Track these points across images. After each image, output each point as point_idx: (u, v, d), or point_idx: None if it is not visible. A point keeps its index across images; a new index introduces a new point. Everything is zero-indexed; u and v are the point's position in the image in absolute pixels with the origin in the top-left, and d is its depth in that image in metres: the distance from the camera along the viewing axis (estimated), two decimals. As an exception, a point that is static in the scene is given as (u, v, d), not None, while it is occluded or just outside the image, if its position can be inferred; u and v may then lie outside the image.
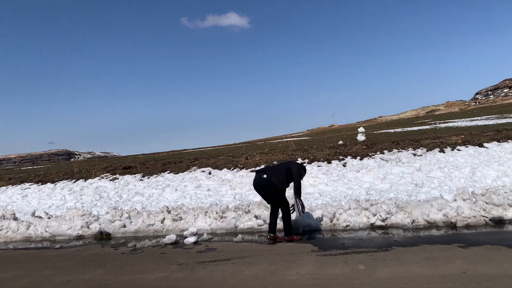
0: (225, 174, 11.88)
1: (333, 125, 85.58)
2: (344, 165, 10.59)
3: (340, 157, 11.31)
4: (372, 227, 6.19)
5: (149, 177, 12.52)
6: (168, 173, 12.76)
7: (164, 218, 7.32)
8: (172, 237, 6.35)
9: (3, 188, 13.06)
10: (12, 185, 13.23)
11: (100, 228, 7.40)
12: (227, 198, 9.37)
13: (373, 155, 11.09)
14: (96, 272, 5.16)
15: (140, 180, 12.39)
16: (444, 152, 10.56)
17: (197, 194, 10.27)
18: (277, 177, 5.91)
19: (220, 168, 12.51)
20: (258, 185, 5.99)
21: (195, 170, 12.62)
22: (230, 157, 13.99)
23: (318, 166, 10.76)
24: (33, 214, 8.46)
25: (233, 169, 12.21)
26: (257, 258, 5.10)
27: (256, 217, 6.93)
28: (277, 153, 13.53)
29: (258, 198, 8.72)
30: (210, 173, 12.13)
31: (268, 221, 6.23)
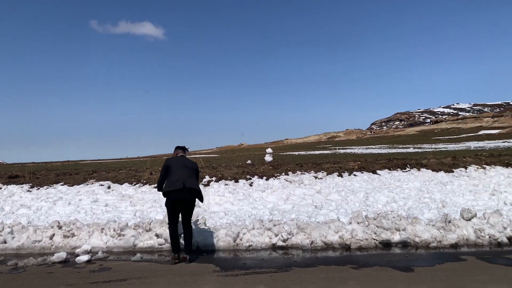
0: (126, 189, 11.26)
1: (242, 144, 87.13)
2: (250, 185, 10.74)
3: (248, 176, 11.47)
4: (274, 247, 6.31)
5: (39, 189, 11.35)
6: (61, 185, 11.70)
7: (53, 234, 6.64)
8: (61, 255, 5.77)
9: None
10: None
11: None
12: (127, 215, 8.85)
13: (278, 175, 11.45)
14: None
15: (28, 191, 11.17)
16: (342, 177, 11.32)
17: (93, 209, 9.55)
18: (196, 183, 5.74)
19: (121, 182, 11.84)
20: (184, 197, 5.61)
21: (92, 183, 11.76)
22: (133, 171, 13.34)
23: (225, 185, 10.77)
24: None
25: (135, 184, 11.64)
26: (156, 278, 4.86)
27: (157, 235, 6.64)
28: (184, 169, 13.27)
29: (160, 216, 8.40)
30: (109, 187, 11.40)
31: (169, 240, 5.99)
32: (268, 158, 14.26)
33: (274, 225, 6.52)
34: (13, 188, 11.27)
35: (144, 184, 11.52)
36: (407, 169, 12.17)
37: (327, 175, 11.50)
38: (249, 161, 15.41)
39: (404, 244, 6.32)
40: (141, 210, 9.31)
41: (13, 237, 6.57)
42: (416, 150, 26.55)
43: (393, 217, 6.59)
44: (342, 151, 31.38)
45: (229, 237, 6.40)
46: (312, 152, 30.22)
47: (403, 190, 10.05)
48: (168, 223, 5.86)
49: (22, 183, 11.73)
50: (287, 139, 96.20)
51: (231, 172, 12.18)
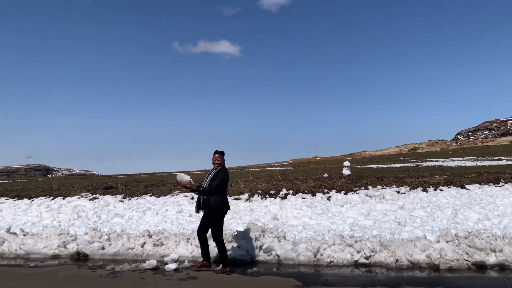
0: (209, 200, 11.75)
1: (317, 157, 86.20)
2: (328, 199, 10.61)
3: (325, 190, 11.35)
4: (356, 264, 6.16)
5: (130, 199, 12.30)
6: (150, 195, 12.55)
7: (144, 243, 7.16)
8: (152, 263, 6.19)
9: (-23, 201, 12.61)
10: (-13, 199, 12.80)
11: (77, 248, 7.17)
12: (210, 225, 9.23)
13: (357, 190, 11.16)
14: (71, 296, 4.97)
15: (121, 201, 12.15)
16: (427, 192, 10.71)
17: (179, 219, 10.09)
18: None
19: (203, 193, 12.38)
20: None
21: (177, 195, 12.45)
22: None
23: (302, 198, 10.76)
24: (7, 230, 8.16)
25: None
26: (240, 290, 5.00)
27: (239, 247, 6.83)
28: (262, 182, 13.50)
29: (240, 227, 8.63)
30: (192, 198, 11.97)
31: (253, 252, 6.15)
32: (346, 171, 13.97)
33: (356, 242, 6.37)
34: (108, 198, 12.34)
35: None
36: (501, 183, 11.16)
37: (410, 190, 10.96)
38: (325, 174, 15.23)
39: (501, 267, 5.79)
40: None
41: (110, 244, 7.19)
42: (509, 162, 24.23)
43: (487, 237, 6.08)
44: (425, 164, 29.66)
45: (310, 252, 6.38)
46: (392, 165, 28.97)
47: (497, 207, 9.23)
48: (218, 234, 6.19)
49: (115, 194, 12.79)
50: (365, 151, 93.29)
51: (308, 186, 12.14)
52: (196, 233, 7.41)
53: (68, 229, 8.87)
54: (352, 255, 6.24)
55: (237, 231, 7.40)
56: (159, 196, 12.35)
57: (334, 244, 6.49)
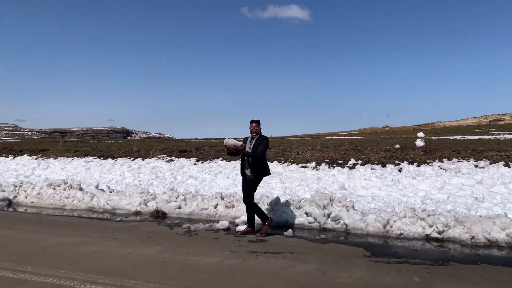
0: (275, 167, 11.97)
1: (388, 126, 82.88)
2: (399, 170, 10.31)
3: (396, 161, 11.01)
4: (427, 238, 6.02)
5: (203, 162, 12.91)
6: (221, 160, 13.07)
7: (217, 204, 7.56)
8: (225, 223, 6.56)
9: (69, 159, 14.03)
10: (78, 157, 14.18)
11: (157, 206, 7.78)
12: (277, 191, 9.46)
13: (431, 162, 10.69)
14: (154, 248, 5.47)
15: (194, 164, 12.80)
16: (509, 167, 9.97)
17: (248, 183, 10.46)
18: None
19: (270, 160, 12.60)
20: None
21: (247, 160, 12.83)
22: (281, 150, 14.06)
23: (372, 169, 10.56)
24: (96, 187, 9.05)
25: (283, 163, 12.29)
26: (308, 255, 5.16)
27: (306, 213, 6.97)
28: (329, 151, 13.41)
29: (307, 194, 8.76)
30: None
31: (321, 220, 6.26)
32: (419, 142, 13.36)
33: (428, 215, 6.19)
34: (183, 161, 13.07)
35: (291, 163, 12.08)
36: None
37: (490, 164, 10.25)
38: (397, 145, 14.70)
39: None
40: (290, 188, 9.84)
41: (186, 204, 7.70)
42: None
43: None
44: (508, 136, 27.33)
45: (379, 223, 6.34)
46: (470, 137, 27.09)
47: None
48: (252, 199, 6.40)
49: (189, 157, 13.49)
50: (439, 122, 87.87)
51: (378, 156, 11.84)
52: (263, 198, 7.67)
53: (148, 188, 9.61)
54: (424, 228, 6.10)
55: (305, 198, 7.53)
56: (229, 161, 12.82)
57: (405, 217, 6.37)
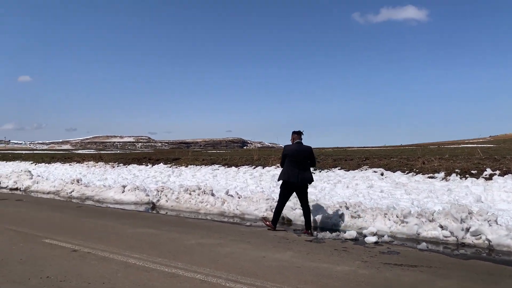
0: (399, 177, 11.44)
1: (525, 133, 72.71)
2: (550, 183, 9.02)
3: (545, 172, 9.66)
4: None
5: (320, 171, 12.96)
6: (338, 169, 12.97)
7: (342, 214, 7.54)
8: (352, 233, 6.52)
9: (198, 167, 15.34)
10: (205, 166, 15.42)
11: (283, 214, 8.06)
12: (404, 203, 9.04)
13: None
14: (285, 253, 5.69)
15: (312, 173, 12.90)
16: None
17: (370, 194, 10.19)
18: (310, 176, 7.56)
19: (393, 170, 12.11)
20: (299, 186, 7.25)
21: (366, 170, 12.51)
22: (404, 159, 13.40)
23: (514, 180, 9.43)
24: (226, 193, 9.74)
25: (407, 173, 11.68)
26: (448, 271, 4.85)
27: (441, 227, 6.54)
28: (460, 161, 12.35)
29: (438, 207, 8.20)
30: (382, 174, 11.86)
31: (458, 234, 5.83)
32: None
33: None
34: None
35: (416, 173, 11.42)
36: None
37: None
38: (544, 154, 12.86)
39: None
40: (417, 199, 9.32)
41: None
42: None
43: None
44: None
45: (531, 241, 5.65)
46: None
47: None
48: (278, 201, 7.36)
49: (307, 166, 13.65)
50: None
51: (521, 166, 10.51)
52: (391, 209, 7.42)
53: (271, 195, 10.01)
54: None
55: (438, 210, 7.07)
56: (348, 170, 12.65)
57: None
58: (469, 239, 6.20)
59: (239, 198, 9.20)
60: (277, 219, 7.36)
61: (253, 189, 11.54)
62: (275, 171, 13.58)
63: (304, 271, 4.86)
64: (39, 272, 4.71)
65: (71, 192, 12.68)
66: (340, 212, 7.61)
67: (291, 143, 7.41)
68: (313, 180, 7.40)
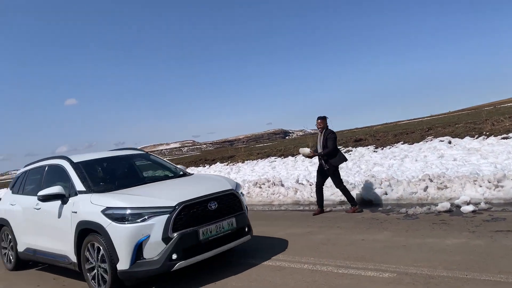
0: (469, 142, 10.87)
1: None
2: None
3: None
4: None
5: (382, 148, 12.57)
6: (401, 143, 12.52)
7: (427, 187, 7.24)
8: (446, 205, 6.23)
9: (255, 161, 15.33)
10: (261, 159, 15.40)
11: (361, 194, 7.85)
12: (485, 167, 8.56)
13: None
14: (383, 233, 5.51)
15: (374, 151, 12.55)
16: None
17: (443, 164, 9.73)
18: None
19: (461, 136, 11.53)
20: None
21: (431, 140, 11.99)
22: (470, 124, 12.75)
23: None
24: (296, 181, 9.64)
25: (477, 137, 11.08)
26: None
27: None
28: (533, 117, 11.59)
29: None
30: (450, 142, 11.33)
31: None
32: None
33: None
34: (361, 149, 12.96)
35: (488, 136, 10.82)
36: None
37: None
38: None
39: None
40: (498, 163, 8.80)
41: (392, 189, 7.58)
42: None
43: None
44: None
45: None
46: None
47: None
48: (341, 182, 7.35)
49: (366, 145, 13.31)
50: None
51: None
52: (478, 175, 7.03)
53: (346, 178, 9.78)
54: None
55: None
56: (412, 143, 12.18)
57: None
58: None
59: (310, 185, 9.07)
60: (353, 197, 7.40)
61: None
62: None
63: (412, 249, 4.67)
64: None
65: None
66: (424, 185, 7.31)
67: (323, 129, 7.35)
68: None
